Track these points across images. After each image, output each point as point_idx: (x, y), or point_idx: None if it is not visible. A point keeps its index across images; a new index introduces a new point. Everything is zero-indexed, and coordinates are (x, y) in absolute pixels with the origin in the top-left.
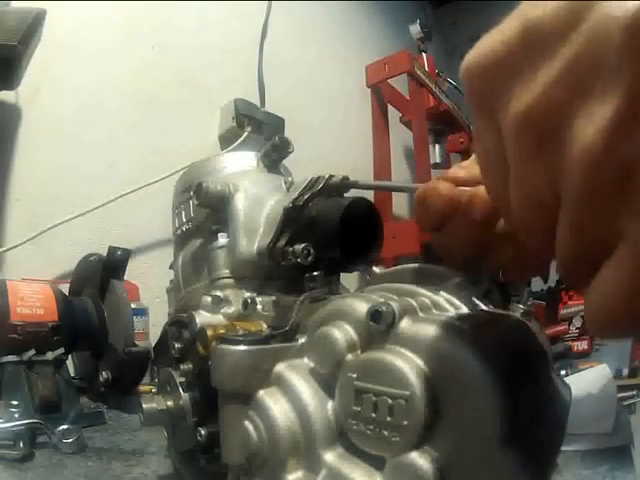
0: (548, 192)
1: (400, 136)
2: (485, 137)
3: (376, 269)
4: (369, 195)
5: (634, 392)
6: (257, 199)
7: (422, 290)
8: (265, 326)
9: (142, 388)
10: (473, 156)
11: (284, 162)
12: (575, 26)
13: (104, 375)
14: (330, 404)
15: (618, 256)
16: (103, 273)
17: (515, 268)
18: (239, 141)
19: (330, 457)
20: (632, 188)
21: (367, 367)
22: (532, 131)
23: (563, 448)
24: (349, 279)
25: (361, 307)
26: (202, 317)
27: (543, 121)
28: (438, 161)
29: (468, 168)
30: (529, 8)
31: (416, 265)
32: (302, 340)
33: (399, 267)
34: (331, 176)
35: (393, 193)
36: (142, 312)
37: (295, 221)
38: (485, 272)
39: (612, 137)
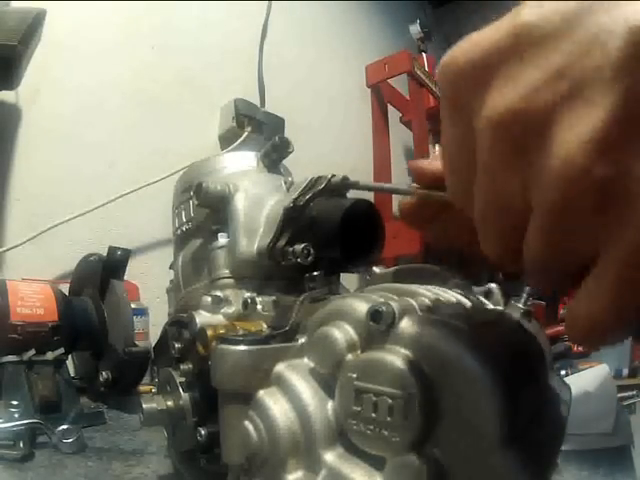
0: (519, 198)
1: (400, 136)
2: (455, 135)
3: (376, 269)
4: (369, 195)
5: (634, 392)
6: (257, 199)
7: (422, 290)
8: (265, 326)
9: (142, 388)
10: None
11: (284, 162)
12: (569, 32)
13: (104, 375)
14: (330, 404)
15: (599, 272)
16: (103, 273)
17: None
18: (239, 141)
19: (330, 457)
20: (613, 204)
21: (367, 367)
22: (509, 134)
23: (563, 448)
24: (349, 279)
25: (361, 307)
26: (202, 317)
27: (522, 125)
28: None
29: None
30: (523, 11)
31: (416, 265)
32: (302, 340)
33: (399, 267)
34: (333, 176)
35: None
36: (142, 312)
37: (295, 221)
38: (485, 272)
39: (596, 150)
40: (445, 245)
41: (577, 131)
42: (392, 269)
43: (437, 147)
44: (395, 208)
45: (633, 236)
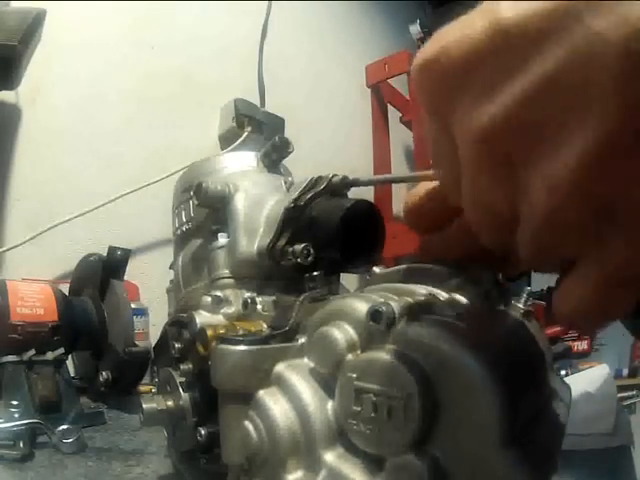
0: (504, 205)
1: (400, 136)
2: (437, 139)
3: (376, 269)
4: (369, 195)
5: (634, 392)
6: (257, 199)
7: (422, 290)
8: (265, 326)
9: (142, 388)
10: None
11: (284, 162)
12: (555, 37)
13: (104, 375)
14: (330, 404)
15: (583, 273)
16: (103, 273)
17: (504, 267)
18: (239, 141)
19: (330, 457)
20: (600, 220)
21: (367, 367)
22: (491, 150)
23: (563, 448)
24: (349, 279)
25: (361, 307)
26: (202, 317)
27: (504, 141)
28: None
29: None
30: (501, 4)
31: (416, 265)
32: (302, 340)
33: (399, 267)
34: (334, 175)
35: (393, 193)
36: (142, 312)
37: (295, 221)
38: (485, 272)
39: (584, 175)
40: (439, 256)
41: (566, 153)
42: (399, 267)
43: None
44: (395, 208)
45: (620, 249)
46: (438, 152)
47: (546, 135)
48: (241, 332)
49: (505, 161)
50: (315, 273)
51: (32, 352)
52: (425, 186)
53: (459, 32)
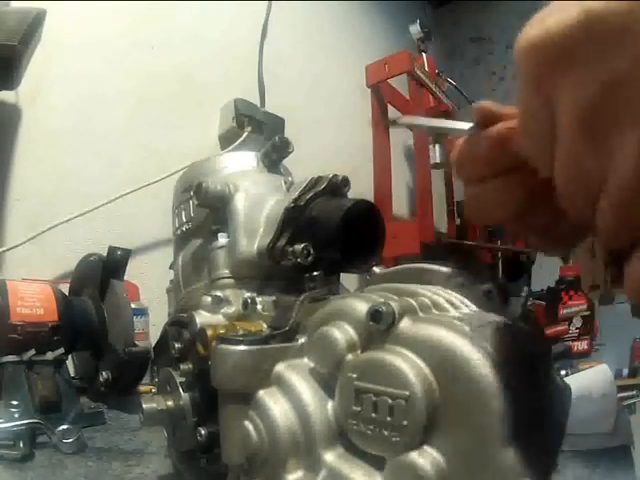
0: (596, 174)
1: (400, 136)
2: (536, 113)
3: (376, 269)
4: (369, 195)
5: (634, 392)
6: (257, 199)
7: (422, 290)
8: (265, 326)
9: (142, 388)
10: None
11: (284, 162)
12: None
13: (104, 375)
14: (330, 404)
15: None
16: (103, 273)
17: (549, 236)
18: (239, 141)
19: (330, 457)
20: None
21: (367, 367)
22: (589, 126)
23: (563, 448)
24: (349, 279)
25: (361, 307)
26: (202, 317)
27: (600, 120)
28: (438, 161)
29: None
30: None
31: (416, 265)
32: (302, 340)
33: (399, 267)
34: (334, 175)
35: (393, 193)
36: (142, 312)
37: (295, 221)
38: (485, 272)
39: None
40: (487, 211)
41: None
42: (399, 267)
43: (437, 147)
44: (395, 208)
45: None
46: (534, 122)
47: (634, 116)
48: (241, 332)
49: (602, 131)
50: (315, 273)
51: (32, 352)
52: (484, 137)
53: (557, 16)
